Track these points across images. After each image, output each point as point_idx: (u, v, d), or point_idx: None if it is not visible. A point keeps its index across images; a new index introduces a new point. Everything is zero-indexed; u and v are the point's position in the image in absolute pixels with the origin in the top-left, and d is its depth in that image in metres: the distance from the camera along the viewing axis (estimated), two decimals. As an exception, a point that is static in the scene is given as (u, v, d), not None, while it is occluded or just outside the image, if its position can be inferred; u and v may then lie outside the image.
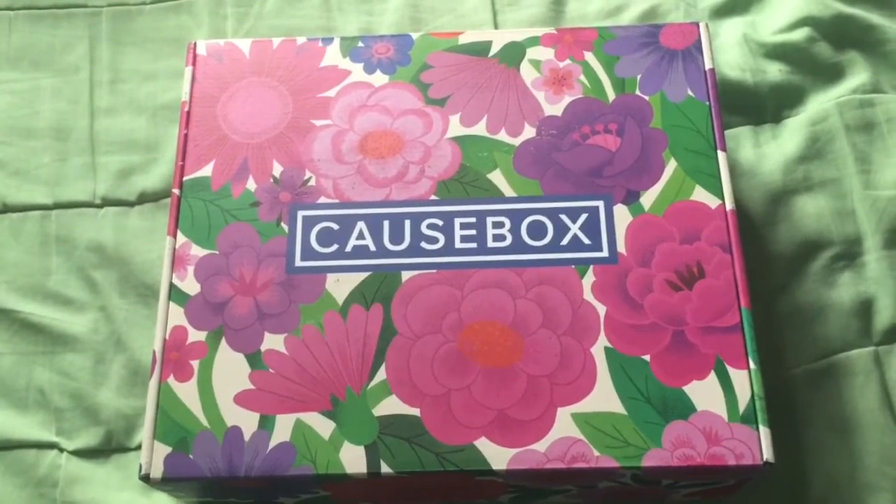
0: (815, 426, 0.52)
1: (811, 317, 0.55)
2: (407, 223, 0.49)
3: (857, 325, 0.54)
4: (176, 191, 0.50)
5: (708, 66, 0.52)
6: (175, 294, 0.48)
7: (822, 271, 0.56)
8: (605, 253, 0.47)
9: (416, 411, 0.45)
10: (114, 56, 0.65)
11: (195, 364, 0.46)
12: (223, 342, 0.47)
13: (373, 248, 0.48)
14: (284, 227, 0.49)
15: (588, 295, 0.47)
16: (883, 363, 0.53)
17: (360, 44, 0.54)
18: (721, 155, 0.49)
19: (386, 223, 0.49)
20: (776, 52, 0.62)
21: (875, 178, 0.58)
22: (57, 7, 0.67)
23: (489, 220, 0.49)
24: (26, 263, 0.59)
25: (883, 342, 0.54)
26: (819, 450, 0.52)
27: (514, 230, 0.48)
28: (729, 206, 0.48)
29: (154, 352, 0.47)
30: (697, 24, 0.53)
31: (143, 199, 0.60)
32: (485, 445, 0.44)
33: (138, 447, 0.54)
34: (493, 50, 0.53)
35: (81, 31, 0.66)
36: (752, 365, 0.45)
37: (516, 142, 0.51)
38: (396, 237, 0.49)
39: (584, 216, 0.48)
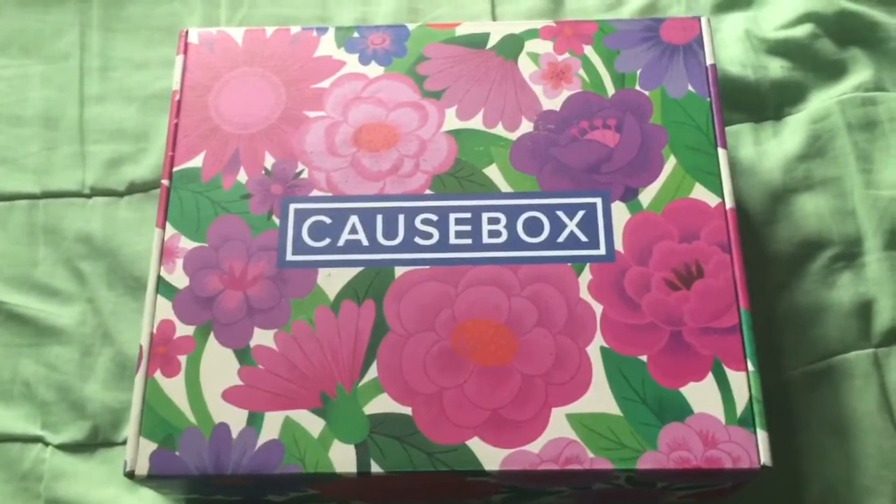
0: (813, 429, 0.51)
1: (810, 318, 0.54)
2: (401, 218, 0.48)
3: (857, 327, 0.54)
4: (165, 182, 0.49)
5: (709, 61, 0.51)
6: (163, 287, 0.47)
7: (822, 272, 0.55)
8: (602, 251, 0.47)
9: (407, 410, 0.44)
10: (104, 43, 0.64)
11: (182, 359, 0.45)
12: (211, 337, 0.46)
13: (366, 242, 0.47)
14: (276, 220, 0.48)
15: (584, 293, 0.46)
16: (882, 366, 0.52)
17: (356, 34, 0.53)
18: (721, 152, 0.49)
19: (379, 217, 0.48)
20: (778, 48, 0.61)
21: (876, 178, 0.57)
22: (47, -8, 0.66)
23: (485, 215, 0.48)
24: (12, 253, 0.58)
25: (882, 344, 0.53)
26: (816, 453, 0.51)
27: (510, 226, 0.47)
28: (729, 204, 0.47)
29: (141, 346, 0.46)
30: (699, 19, 0.52)
31: (133, 189, 0.59)
32: (477, 446, 0.43)
33: (125, 442, 0.53)
34: (491, 42, 0.52)
35: (72, 18, 0.65)
36: (750, 367, 0.44)
37: (513, 136, 0.50)
38: (390, 232, 0.48)
39: (581, 213, 0.48)
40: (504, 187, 0.48)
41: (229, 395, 0.44)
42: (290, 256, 0.47)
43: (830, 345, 0.53)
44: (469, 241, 0.47)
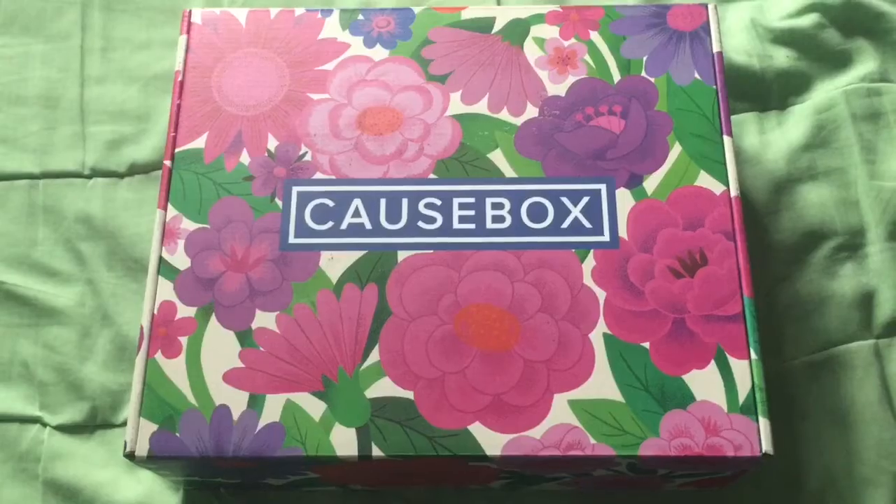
0: (813, 419, 0.51)
1: (812, 308, 0.54)
2: (404, 202, 0.48)
3: (858, 318, 0.53)
4: (167, 163, 0.49)
5: (716, 48, 0.51)
6: (164, 268, 0.47)
7: (825, 262, 0.55)
8: (606, 237, 0.46)
9: (409, 394, 0.44)
10: (106, 23, 0.63)
11: (183, 340, 0.45)
12: (213, 319, 0.45)
13: (369, 226, 0.47)
14: (278, 202, 0.48)
15: (588, 280, 0.46)
16: (883, 356, 0.52)
17: (361, 16, 0.53)
18: (727, 140, 0.48)
19: (383, 201, 0.48)
20: (784, 38, 0.61)
21: (880, 169, 0.57)
22: (48, -29, 0.65)
23: (489, 200, 0.48)
24: (12, 233, 0.58)
25: (883, 335, 0.53)
26: (816, 442, 0.51)
27: (514, 212, 0.47)
28: (734, 192, 0.47)
29: (141, 327, 0.45)
30: (706, 6, 0.52)
31: (133, 170, 0.59)
32: (479, 431, 0.43)
33: (123, 423, 0.53)
34: (497, 26, 0.52)
35: (73, -3, 0.64)
36: (753, 355, 0.44)
37: (518, 121, 0.49)
38: (393, 216, 0.47)
39: (585, 199, 0.47)
40: (508, 172, 0.48)
41: (230, 377, 0.44)
42: (292, 239, 0.47)
43: (832, 335, 0.53)
44: (473, 225, 0.47)
